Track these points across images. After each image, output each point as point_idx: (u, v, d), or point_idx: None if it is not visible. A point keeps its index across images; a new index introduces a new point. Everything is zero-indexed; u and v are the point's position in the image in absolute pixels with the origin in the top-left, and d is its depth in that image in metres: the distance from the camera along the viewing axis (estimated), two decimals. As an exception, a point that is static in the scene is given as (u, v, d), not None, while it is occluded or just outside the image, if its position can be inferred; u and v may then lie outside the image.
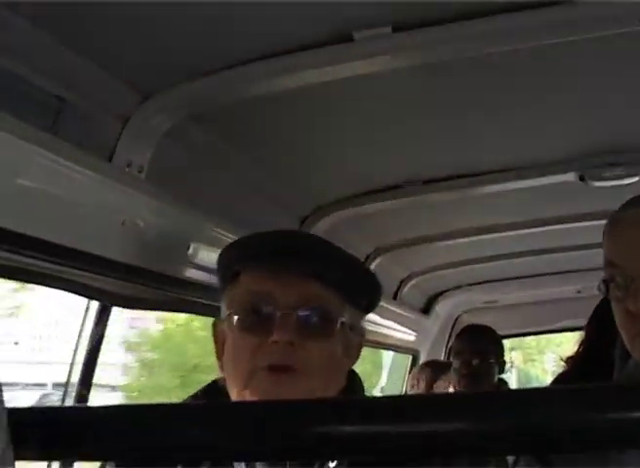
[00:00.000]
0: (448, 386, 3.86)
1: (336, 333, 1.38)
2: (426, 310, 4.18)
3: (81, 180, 1.50)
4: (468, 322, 4.39)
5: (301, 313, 1.35)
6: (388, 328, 3.67)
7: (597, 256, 3.44)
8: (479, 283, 4.07)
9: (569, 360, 2.51)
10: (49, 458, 1.12)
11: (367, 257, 3.16)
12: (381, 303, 3.38)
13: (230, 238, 2.03)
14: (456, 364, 3.42)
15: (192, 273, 1.91)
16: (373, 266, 3.19)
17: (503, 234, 3.04)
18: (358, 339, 1.46)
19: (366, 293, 1.47)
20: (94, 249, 1.57)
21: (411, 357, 4.35)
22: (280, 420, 0.65)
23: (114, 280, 1.70)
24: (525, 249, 3.39)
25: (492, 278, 3.99)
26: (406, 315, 3.84)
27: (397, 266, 3.49)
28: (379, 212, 2.64)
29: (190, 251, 1.89)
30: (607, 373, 1.70)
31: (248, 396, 1.34)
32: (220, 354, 1.45)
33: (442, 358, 4.51)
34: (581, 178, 2.27)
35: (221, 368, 1.43)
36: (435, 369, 4.01)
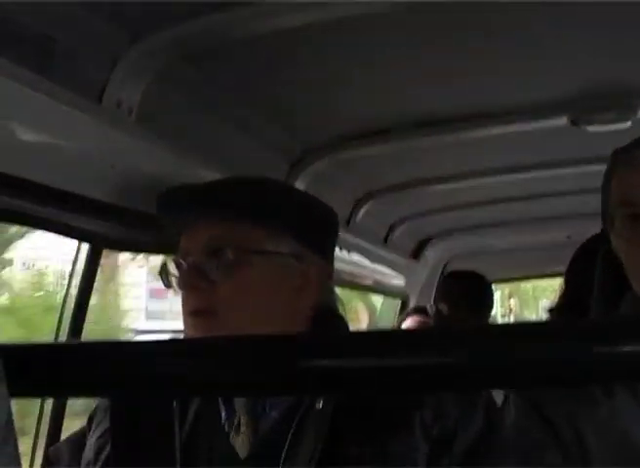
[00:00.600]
0: (412, 324, 3.90)
1: (250, 266, 1.37)
2: (416, 255, 4.18)
3: (71, 122, 1.49)
4: (458, 267, 4.42)
5: (205, 257, 1.37)
6: (378, 272, 3.69)
7: (587, 202, 3.48)
8: (469, 228, 4.07)
9: (552, 311, 2.54)
10: (41, 394, 1.12)
11: (357, 202, 3.16)
12: (372, 247, 3.42)
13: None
14: (435, 307, 3.47)
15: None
16: (363, 211, 3.19)
17: (494, 178, 3.04)
18: (312, 269, 1.43)
19: (292, 218, 1.43)
20: (84, 191, 1.57)
21: (400, 301, 4.37)
22: (260, 355, 0.65)
23: (105, 222, 1.70)
24: (516, 194, 3.39)
25: (482, 223, 3.99)
26: (396, 260, 3.86)
27: (388, 211, 3.49)
28: (369, 155, 2.63)
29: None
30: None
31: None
32: None
33: (431, 303, 4.55)
34: (574, 123, 2.26)
35: None
36: (422, 314, 4.04)
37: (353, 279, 3.42)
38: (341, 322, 1.48)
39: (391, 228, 3.69)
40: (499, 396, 2.66)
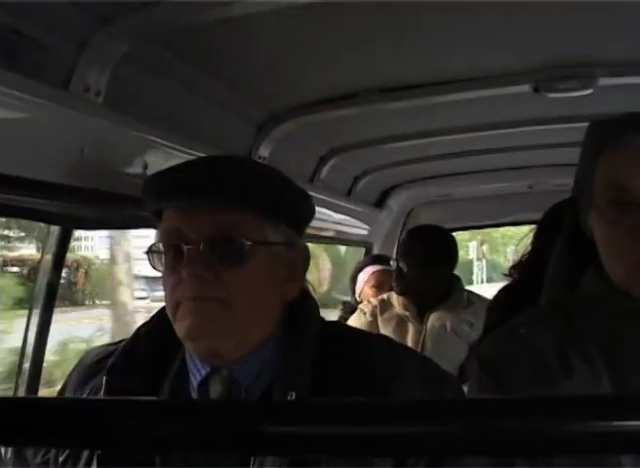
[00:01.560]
0: (366, 277, 3.97)
1: (254, 257, 1.35)
2: (380, 204, 4.22)
3: (39, 111, 1.49)
4: (422, 215, 4.47)
5: (209, 245, 1.33)
6: (342, 223, 3.72)
7: (548, 155, 3.54)
8: (432, 177, 4.11)
9: (511, 269, 2.59)
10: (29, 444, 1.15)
11: (321, 158, 3.18)
12: (335, 200, 3.46)
13: (188, 153, 2.05)
14: (396, 265, 3.47)
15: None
16: (327, 167, 3.21)
17: (457, 136, 3.07)
18: (298, 258, 1.44)
19: (291, 208, 1.42)
20: (54, 178, 1.58)
21: (364, 250, 4.43)
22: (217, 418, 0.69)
23: (74, 205, 1.71)
24: (478, 148, 3.42)
25: (445, 173, 4.04)
26: (359, 210, 3.90)
27: (351, 165, 3.52)
28: (334, 118, 2.64)
29: (148, 170, 1.90)
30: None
31: (178, 323, 1.35)
32: None
33: (395, 250, 4.61)
34: (536, 90, 2.29)
35: None
36: (379, 261, 4.10)
37: (318, 232, 3.46)
38: (312, 305, 1.47)
39: (355, 180, 3.72)
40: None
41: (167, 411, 0.71)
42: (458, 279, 3.55)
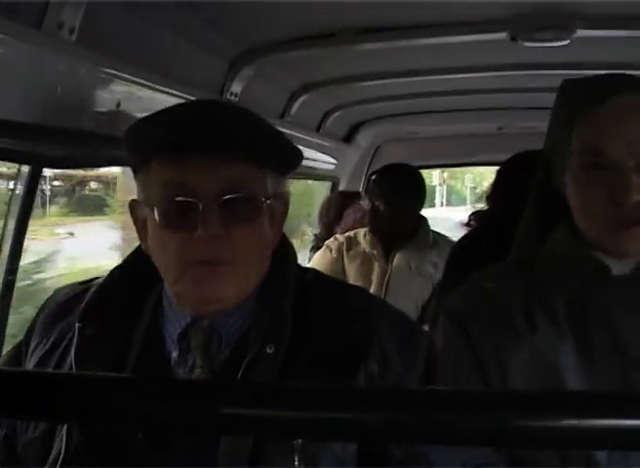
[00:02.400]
0: (357, 215, 3.98)
1: (262, 213, 1.31)
2: (348, 139, 4.21)
3: (12, 51, 1.46)
4: (389, 152, 4.47)
5: (225, 202, 1.26)
6: (310, 158, 3.71)
7: (518, 98, 3.54)
8: (402, 114, 4.10)
9: (473, 215, 2.63)
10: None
11: (292, 94, 3.15)
12: (305, 136, 3.44)
13: (161, 90, 2.02)
14: (368, 204, 3.50)
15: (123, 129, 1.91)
16: (298, 102, 3.19)
17: (431, 77, 3.06)
18: (282, 207, 1.40)
19: (285, 158, 1.38)
20: (28, 118, 1.55)
21: (331, 184, 4.43)
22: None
23: (45, 144, 1.68)
24: (450, 88, 3.41)
25: (415, 111, 4.03)
26: (328, 145, 3.88)
27: (322, 100, 3.49)
28: (307, 56, 2.61)
29: (121, 107, 1.87)
30: (503, 245, 1.77)
31: (182, 286, 1.30)
32: (142, 234, 1.38)
33: (361, 185, 4.62)
34: (513, 38, 2.28)
35: (145, 249, 1.38)
36: (346, 197, 4.11)
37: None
38: (291, 254, 1.46)
39: (325, 116, 3.70)
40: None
41: (134, 388, 0.72)
42: (424, 219, 3.57)
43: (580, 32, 2.23)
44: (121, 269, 1.44)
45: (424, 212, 3.60)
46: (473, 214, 2.63)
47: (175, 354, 1.36)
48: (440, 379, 1.43)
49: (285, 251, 1.44)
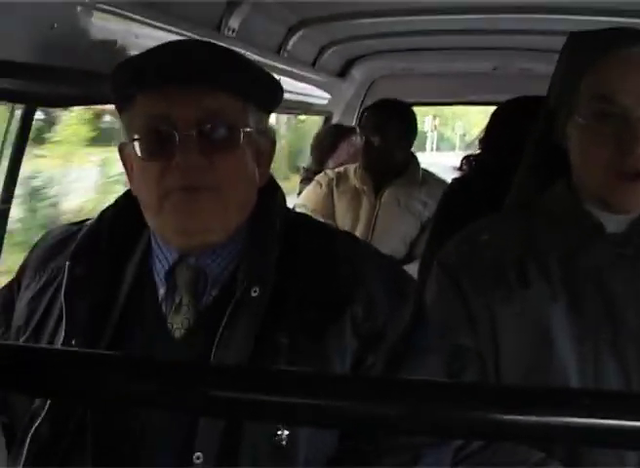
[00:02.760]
0: (351, 150, 3.96)
1: (242, 144, 1.33)
2: (343, 74, 4.17)
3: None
4: (383, 88, 4.42)
5: (202, 131, 1.29)
6: (304, 93, 3.68)
7: (515, 40, 3.50)
8: (397, 51, 4.05)
9: (465, 160, 2.62)
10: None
11: (290, 29, 3.11)
12: (300, 71, 3.40)
13: (159, 26, 1.99)
14: (361, 139, 3.49)
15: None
16: (295, 37, 3.14)
17: (428, 17, 3.02)
18: (268, 144, 1.43)
19: (267, 93, 1.40)
20: (24, 56, 1.52)
21: (324, 118, 4.39)
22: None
23: (42, 82, 1.66)
24: (447, 27, 3.37)
25: (410, 47, 3.98)
26: (322, 80, 3.84)
27: (318, 35, 3.44)
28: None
29: (117, 46, 1.84)
30: (495, 192, 1.77)
31: (164, 216, 1.32)
32: (130, 176, 1.41)
33: (354, 120, 4.58)
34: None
35: (133, 190, 1.40)
36: (341, 130, 4.09)
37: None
38: (279, 195, 1.46)
39: (321, 51, 3.65)
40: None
41: (119, 366, 0.73)
42: (414, 157, 3.58)
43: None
44: (111, 210, 1.45)
45: (419, 155, 3.61)
46: (465, 158, 2.61)
47: (162, 291, 1.38)
48: (428, 327, 1.44)
49: (273, 192, 1.45)
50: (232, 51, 1.38)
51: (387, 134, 3.37)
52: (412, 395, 0.68)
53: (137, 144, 1.33)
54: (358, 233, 3.41)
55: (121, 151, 1.41)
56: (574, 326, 1.48)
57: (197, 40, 1.45)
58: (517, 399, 0.65)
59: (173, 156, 1.28)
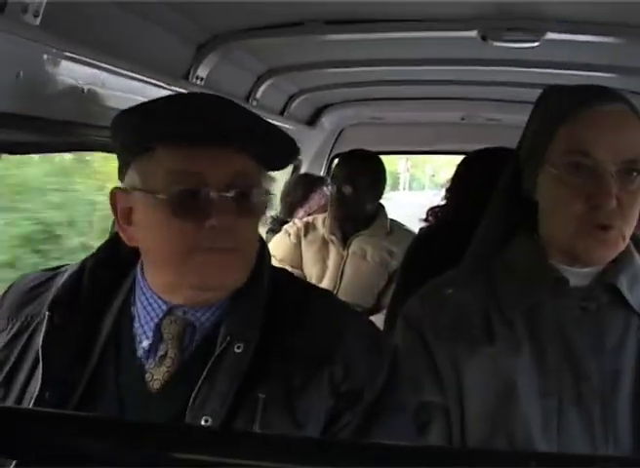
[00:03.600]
0: (322, 200, 3.97)
1: (260, 205, 1.35)
2: (312, 122, 4.19)
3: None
4: (353, 136, 4.45)
5: (236, 194, 1.30)
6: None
7: (483, 91, 3.54)
8: (366, 99, 4.08)
9: (431, 211, 2.63)
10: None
11: (258, 78, 3.12)
12: (269, 119, 3.41)
13: (127, 75, 1.99)
14: (332, 189, 3.49)
15: (88, 115, 1.87)
16: (264, 86, 3.16)
17: (396, 68, 3.05)
18: (266, 205, 1.42)
19: (281, 157, 1.42)
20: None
21: (292, 166, 4.40)
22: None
23: (7, 130, 1.65)
24: (416, 78, 3.41)
25: (379, 96, 4.01)
26: (291, 128, 3.86)
27: (287, 84, 3.47)
28: (274, 43, 2.59)
29: (85, 94, 1.84)
30: (459, 245, 1.77)
31: (185, 272, 1.31)
32: (123, 223, 1.38)
33: (323, 169, 4.60)
34: (483, 38, 2.28)
35: (129, 239, 1.38)
36: (312, 180, 4.10)
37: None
38: (266, 253, 1.47)
39: (290, 99, 3.67)
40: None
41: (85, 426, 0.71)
42: (382, 206, 3.58)
43: (550, 35, 2.23)
44: (94, 258, 1.44)
45: (393, 194, 3.64)
46: (431, 209, 2.63)
47: (145, 343, 1.37)
48: (403, 385, 1.44)
49: (262, 250, 1.45)
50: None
51: (359, 184, 3.38)
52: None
53: (161, 198, 1.30)
54: (326, 283, 3.41)
55: (115, 197, 1.39)
56: (538, 380, 1.48)
57: (219, 97, 1.43)
58: (467, 460, 0.64)
59: (207, 216, 1.28)
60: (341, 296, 3.30)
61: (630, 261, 1.54)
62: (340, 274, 3.45)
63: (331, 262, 3.48)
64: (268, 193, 1.39)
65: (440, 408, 1.52)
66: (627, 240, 1.49)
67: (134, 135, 1.34)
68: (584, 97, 1.48)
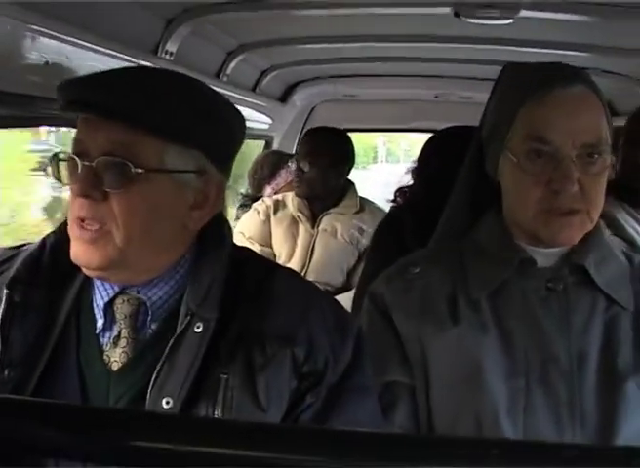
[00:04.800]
0: (289, 177, 3.94)
1: (147, 183, 1.27)
2: (284, 99, 4.16)
3: None
4: (325, 113, 4.43)
5: (101, 162, 1.26)
6: (246, 118, 3.65)
7: (457, 69, 3.53)
8: (339, 76, 4.05)
9: (398, 192, 2.62)
10: None
11: (229, 53, 3.09)
12: (240, 95, 3.39)
13: (94, 49, 1.95)
14: (296, 166, 3.44)
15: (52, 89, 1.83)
16: (235, 62, 3.12)
17: (370, 44, 3.02)
18: (211, 188, 1.35)
19: (201, 136, 1.31)
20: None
21: (264, 142, 4.38)
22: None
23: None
24: (390, 55, 3.38)
25: (352, 73, 3.98)
26: (264, 104, 3.84)
27: (259, 60, 3.43)
28: (244, 17, 2.56)
29: (49, 67, 1.80)
30: (426, 226, 1.77)
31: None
32: None
33: (295, 146, 4.57)
34: (456, 14, 2.26)
35: None
36: (280, 157, 4.07)
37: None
38: (226, 232, 1.43)
39: (262, 75, 3.64)
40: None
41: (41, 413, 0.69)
42: (351, 183, 3.55)
43: (524, 12, 2.22)
44: (53, 236, 1.41)
45: (373, 165, 3.63)
46: (398, 190, 2.61)
47: (100, 323, 1.35)
48: (367, 366, 1.43)
49: (220, 228, 1.41)
50: (169, 87, 1.32)
51: (317, 161, 3.33)
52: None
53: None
54: (295, 261, 3.39)
55: None
56: (504, 361, 1.48)
57: (134, 71, 1.41)
58: (426, 448, 0.63)
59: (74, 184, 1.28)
60: (311, 275, 3.30)
61: (599, 241, 1.54)
62: (309, 252, 3.43)
63: (300, 240, 3.46)
64: (200, 173, 1.33)
65: (406, 387, 1.51)
66: (595, 221, 1.48)
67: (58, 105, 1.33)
68: (544, 79, 1.46)
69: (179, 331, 1.30)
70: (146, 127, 1.26)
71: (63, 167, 1.31)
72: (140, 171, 1.26)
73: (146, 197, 1.28)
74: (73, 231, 1.29)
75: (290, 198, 3.51)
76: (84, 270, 1.33)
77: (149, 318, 1.34)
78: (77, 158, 1.27)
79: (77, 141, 1.29)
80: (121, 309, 1.35)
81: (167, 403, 1.26)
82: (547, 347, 1.47)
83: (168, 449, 0.67)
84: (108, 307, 1.35)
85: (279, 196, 3.59)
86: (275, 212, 3.51)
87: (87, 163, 1.26)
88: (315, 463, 0.63)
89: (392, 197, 2.63)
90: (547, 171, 1.41)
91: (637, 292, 1.53)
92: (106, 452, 0.66)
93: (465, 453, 0.61)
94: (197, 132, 1.31)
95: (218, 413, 1.26)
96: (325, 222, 3.45)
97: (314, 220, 3.45)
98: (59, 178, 1.34)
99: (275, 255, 3.43)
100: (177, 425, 0.71)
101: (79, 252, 1.29)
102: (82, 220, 1.27)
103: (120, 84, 1.30)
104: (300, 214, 3.45)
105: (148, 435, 0.66)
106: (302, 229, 3.46)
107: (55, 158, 1.33)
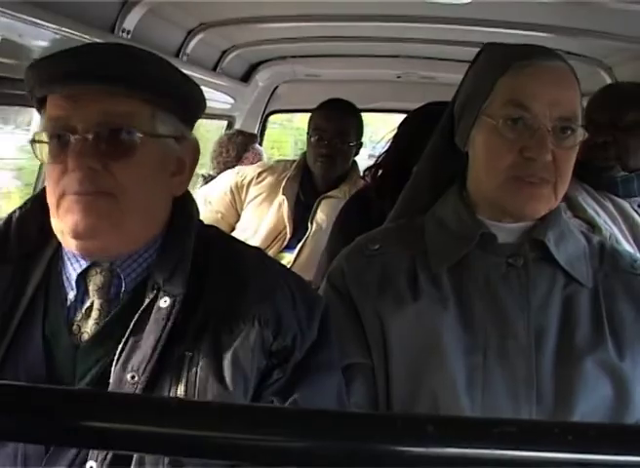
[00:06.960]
0: (255, 159, 3.90)
1: (145, 150, 1.30)
2: (246, 79, 4.13)
3: None
4: (287, 93, 4.40)
5: (96, 134, 1.26)
6: (207, 98, 3.61)
7: (419, 49, 3.53)
8: (301, 56, 4.02)
9: (367, 171, 2.61)
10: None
11: (189, 32, 3.05)
12: (201, 75, 3.35)
13: (49, 27, 1.91)
14: (313, 141, 3.22)
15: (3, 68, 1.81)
16: (195, 41, 3.09)
17: (332, 24, 3.01)
18: (189, 153, 1.39)
19: (182, 100, 1.35)
20: None
21: (226, 123, 4.34)
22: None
23: None
24: (351, 34, 3.37)
25: (314, 53, 3.96)
26: (225, 84, 3.80)
27: (220, 39, 3.40)
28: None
29: (4, 46, 1.77)
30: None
31: (60, 219, 1.30)
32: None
33: (257, 126, 4.55)
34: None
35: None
36: (244, 139, 4.03)
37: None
38: (194, 207, 1.44)
39: (223, 55, 3.60)
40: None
41: None
42: (355, 164, 3.38)
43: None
44: (19, 211, 1.40)
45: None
46: (368, 169, 2.60)
47: (71, 294, 1.35)
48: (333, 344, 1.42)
49: (187, 204, 1.42)
50: (146, 56, 1.34)
51: (342, 120, 3.25)
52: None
53: (44, 146, 1.31)
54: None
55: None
56: (464, 336, 1.48)
57: (111, 44, 1.43)
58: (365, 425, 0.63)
59: (70, 160, 1.26)
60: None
61: (558, 219, 1.55)
62: (307, 236, 3.28)
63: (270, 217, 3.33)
64: (179, 139, 1.35)
65: (364, 367, 1.51)
66: (560, 198, 1.49)
67: (28, 89, 1.33)
68: (526, 51, 1.49)
69: (145, 304, 1.30)
70: (136, 96, 1.28)
71: (44, 147, 1.30)
72: (140, 135, 1.29)
73: (145, 163, 1.31)
74: (72, 204, 1.27)
75: (276, 175, 3.34)
76: (73, 243, 1.31)
77: (123, 289, 1.34)
78: (69, 134, 1.27)
79: (59, 118, 1.28)
80: (94, 280, 1.35)
81: (132, 377, 1.26)
82: (506, 323, 1.47)
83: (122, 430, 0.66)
84: (81, 279, 1.35)
85: (259, 169, 3.41)
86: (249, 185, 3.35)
87: (80, 136, 1.26)
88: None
89: None
90: (523, 138, 1.43)
91: (595, 270, 1.54)
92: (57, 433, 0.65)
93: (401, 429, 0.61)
94: (178, 96, 1.34)
95: (181, 391, 1.26)
96: (321, 213, 3.26)
97: (314, 200, 3.28)
98: (40, 158, 1.33)
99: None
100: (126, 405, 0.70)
101: (83, 224, 1.27)
102: (81, 194, 1.26)
103: (101, 54, 1.33)
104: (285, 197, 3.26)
105: (105, 416, 0.65)
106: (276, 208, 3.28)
107: (34, 141, 1.32)
